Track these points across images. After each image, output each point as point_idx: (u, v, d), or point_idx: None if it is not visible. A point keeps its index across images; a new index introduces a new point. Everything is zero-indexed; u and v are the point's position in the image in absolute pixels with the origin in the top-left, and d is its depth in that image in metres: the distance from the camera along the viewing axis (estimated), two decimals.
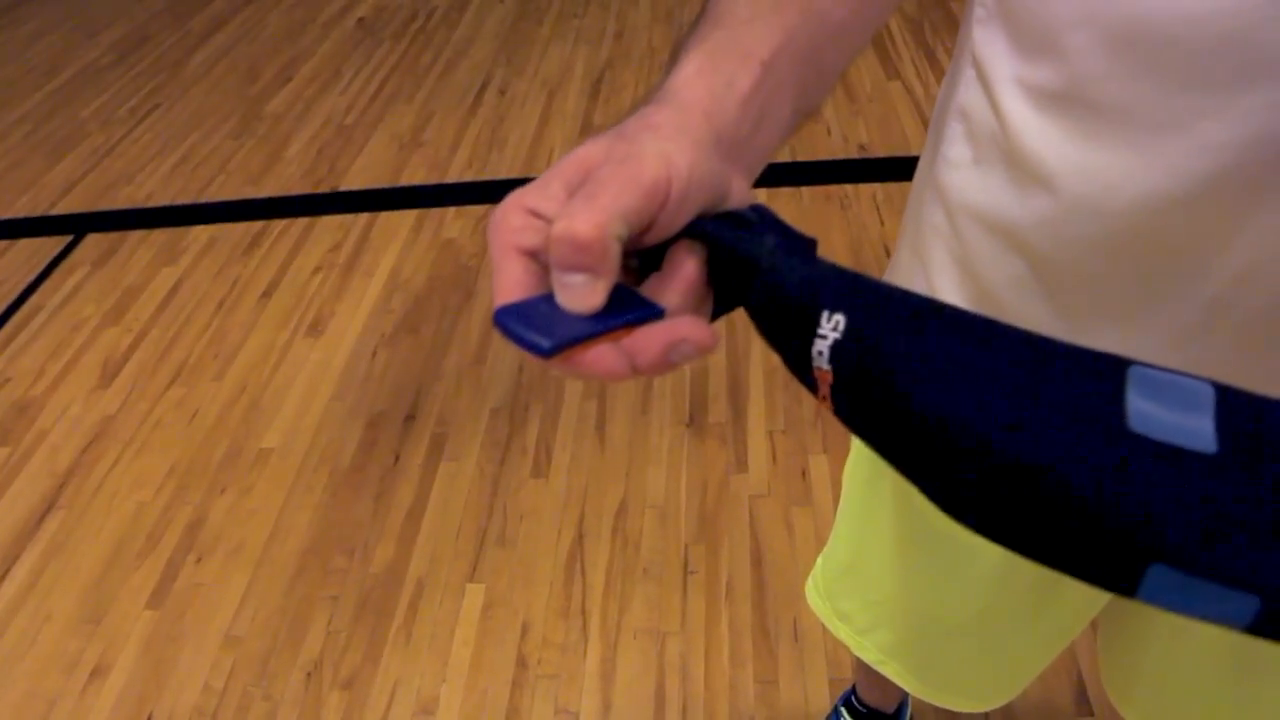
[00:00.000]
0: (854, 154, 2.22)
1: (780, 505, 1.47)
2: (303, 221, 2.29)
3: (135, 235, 2.34)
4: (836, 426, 1.55)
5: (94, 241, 2.34)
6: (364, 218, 2.27)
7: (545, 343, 0.29)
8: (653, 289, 0.32)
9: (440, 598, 1.42)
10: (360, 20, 3.30)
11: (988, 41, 0.44)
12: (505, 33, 3.05)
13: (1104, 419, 0.26)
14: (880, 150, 2.22)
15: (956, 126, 0.49)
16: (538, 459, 1.61)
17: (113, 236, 2.35)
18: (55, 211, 2.50)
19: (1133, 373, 0.26)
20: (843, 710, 1.16)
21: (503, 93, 2.71)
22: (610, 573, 1.42)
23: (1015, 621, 0.68)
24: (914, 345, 0.28)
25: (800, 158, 2.22)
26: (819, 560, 0.86)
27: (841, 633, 0.82)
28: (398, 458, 1.65)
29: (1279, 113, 0.33)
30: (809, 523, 1.44)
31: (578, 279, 0.29)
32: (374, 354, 1.87)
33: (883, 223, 1.99)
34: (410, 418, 1.72)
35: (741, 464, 1.55)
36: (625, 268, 0.32)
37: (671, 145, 0.31)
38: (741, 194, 0.34)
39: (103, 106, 2.98)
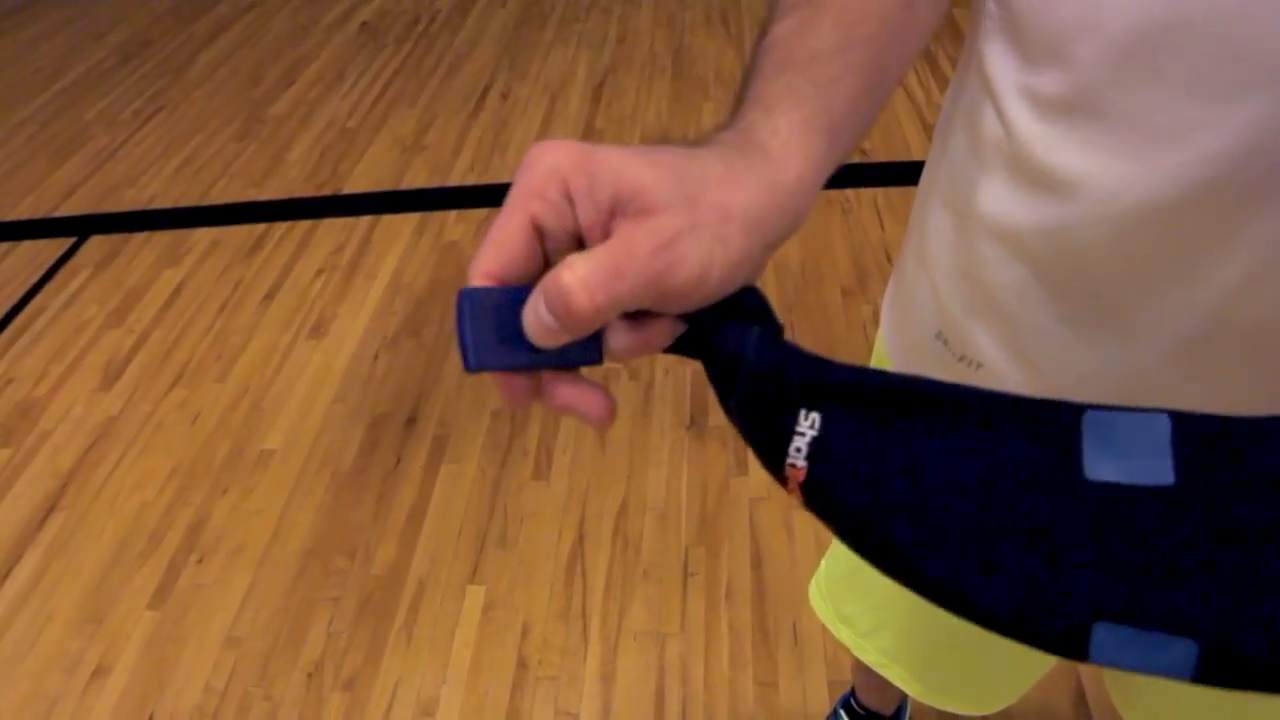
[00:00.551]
0: (855, 159, 2.22)
1: (780, 509, 1.47)
2: (305, 224, 2.30)
3: (138, 237, 2.34)
4: None
5: (97, 243, 2.35)
6: (366, 221, 2.28)
7: (472, 359, 0.31)
8: (615, 329, 0.32)
9: (441, 599, 1.43)
10: (363, 24, 3.31)
11: (993, 49, 0.45)
12: (508, 37, 3.06)
13: (1059, 479, 0.26)
14: (882, 155, 2.23)
15: (962, 134, 0.49)
16: (538, 461, 1.62)
17: (116, 238, 2.35)
18: (59, 214, 2.51)
19: (1088, 419, 0.27)
20: (842, 713, 1.16)
21: (505, 97, 2.72)
22: (611, 575, 1.43)
23: None
24: (877, 457, 0.29)
25: None
26: (823, 563, 0.87)
27: (843, 635, 0.83)
28: (399, 460, 1.66)
29: (1273, 125, 0.34)
30: (809, 527, 1.44)
31: (553, 325, 0.29)
32: (376, 356, 1.88)
33: (883, 227, 2.00)
34: (412, 420, 1.73)
35: (742, 467, 1.55)
36: None
37: (724, 251, 0.29)
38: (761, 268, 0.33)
39: (106, 109, 2.99)
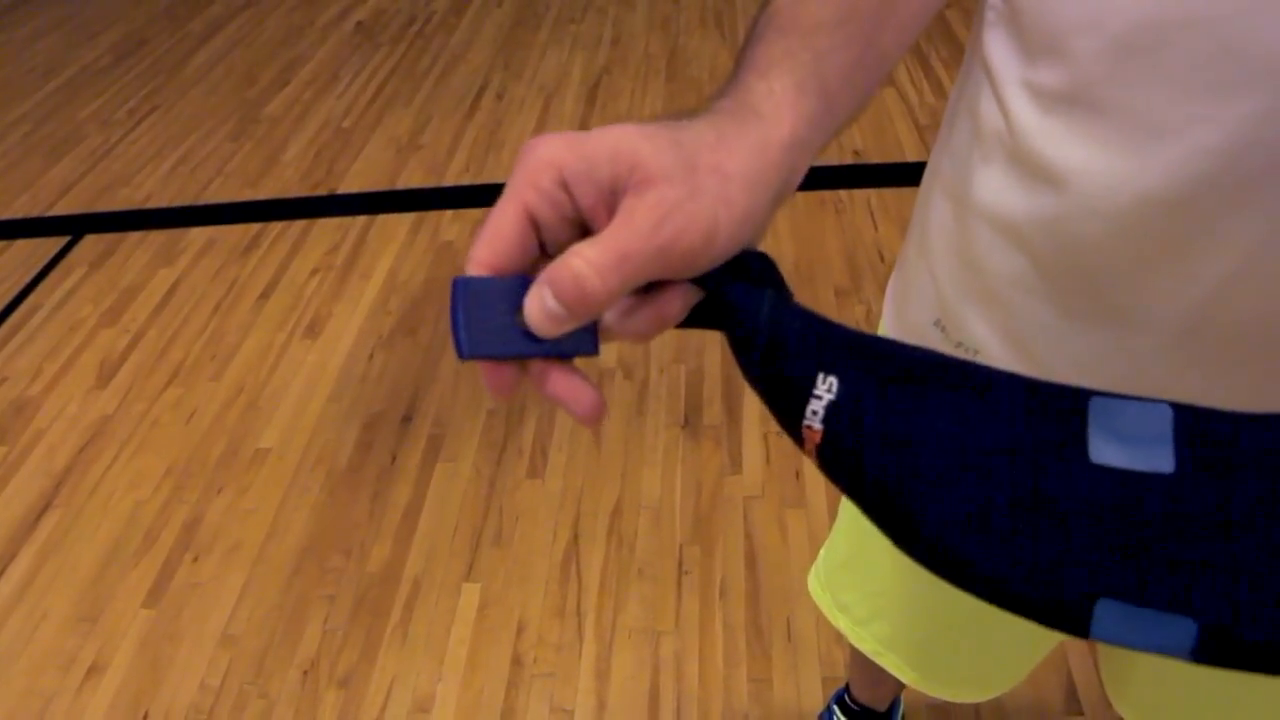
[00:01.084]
0: (848, 160, 2.24)
1: (774, 506, 1.48)
2: (300, 224, 2.30)
3: (133, 236, 2.34)
4: None
5: (92, 242, 2.35)
6: (361, 220, 2.28)
7: (465, 348, 0.31)
8: (627, 308, 0.32)
9: (436, 597, 1.43)
10: (358, 24, 3.31)
11: (996, 44, 0.45)
12: (503, 37, 3.07)
13: (1066, 459, 0.27)
14: (874, 156, 2.24)
15: (965, 125, 0.50)
16: (533, 460, 1.62)
17: (110, 237, 2.35)
18: (53, 212, 2.51)
19: (1094, 404, 0.28)
20: (836, 709, 1.17)
21: (500, 97, 2.72)
22: (605, 573, 1.43)
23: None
24: (892, 424, 0.29)
25: None
26: (821, 551, 0.88)
27: (841, 623, 0.84)
28: (394, 458, 1.66)
29: (1266, 122, 0.35)
30: (803, 524, 1.45)
31: (560, 311, 0.29)
32: (371, 355, 1.88)
33: (876, 228, 2.01)
34: (407, 418, 1.73)
35: (736, 465, 1.56)
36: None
37: (727, 211, 0.30)
38: (765, 226, 0.34)
39: (101, 108, 2.99)
